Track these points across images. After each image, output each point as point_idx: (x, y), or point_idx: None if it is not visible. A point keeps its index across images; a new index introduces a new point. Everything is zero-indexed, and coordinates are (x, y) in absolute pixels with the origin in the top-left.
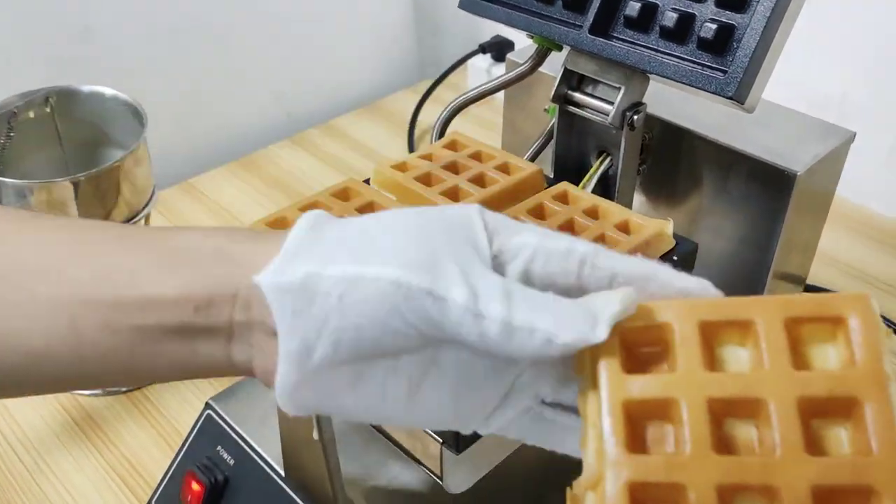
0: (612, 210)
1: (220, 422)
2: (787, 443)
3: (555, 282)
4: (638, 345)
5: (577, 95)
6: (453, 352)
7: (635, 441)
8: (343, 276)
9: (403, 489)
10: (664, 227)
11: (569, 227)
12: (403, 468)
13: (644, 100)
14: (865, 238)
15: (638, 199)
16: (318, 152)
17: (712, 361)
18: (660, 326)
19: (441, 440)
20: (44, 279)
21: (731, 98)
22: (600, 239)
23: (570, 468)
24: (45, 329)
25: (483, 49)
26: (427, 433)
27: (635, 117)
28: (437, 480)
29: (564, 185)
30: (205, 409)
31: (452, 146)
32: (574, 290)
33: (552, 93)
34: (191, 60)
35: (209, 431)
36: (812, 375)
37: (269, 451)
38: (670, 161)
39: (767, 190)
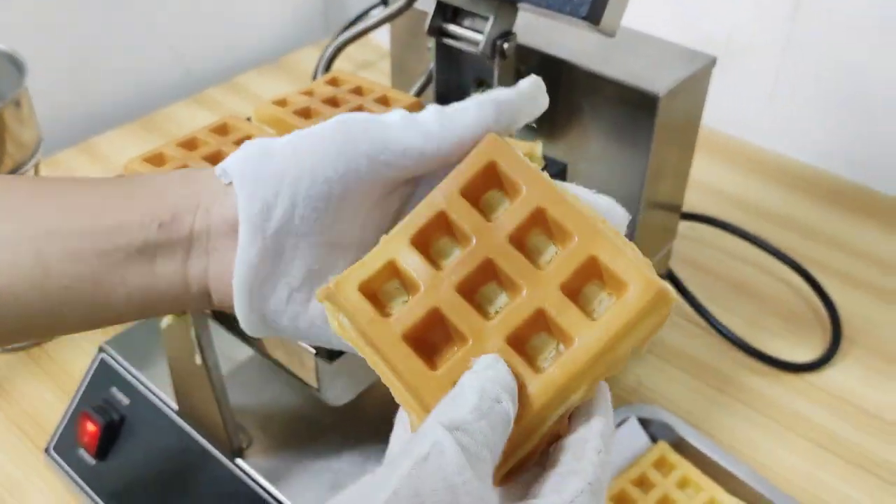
0: None
1: (115, 364)
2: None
3: None
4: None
5: (451, 27)
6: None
7: None
8: (294, 135)
9: (296, 414)
10: (533, 148)
11: None
12: (295, 397)
13: (523, 35)
14: (751, 172)
15: (520, 131)
16: (221, 110)
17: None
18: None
19: (314, 350)
20: (7, 217)
21: (585, 19)
22: None
23: None
24: (9, 264)
25: (384, 1)
26: (302, 345)
27: (505, 46)
28: (317, 394)
29: None
30: (99, 353)
31: (334, 82)
32: None
33: (427, 24)
34: (80, 15)
35: (104, 374)
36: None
37: (162, 389)
38: (549, 92)
39: (634, 113)
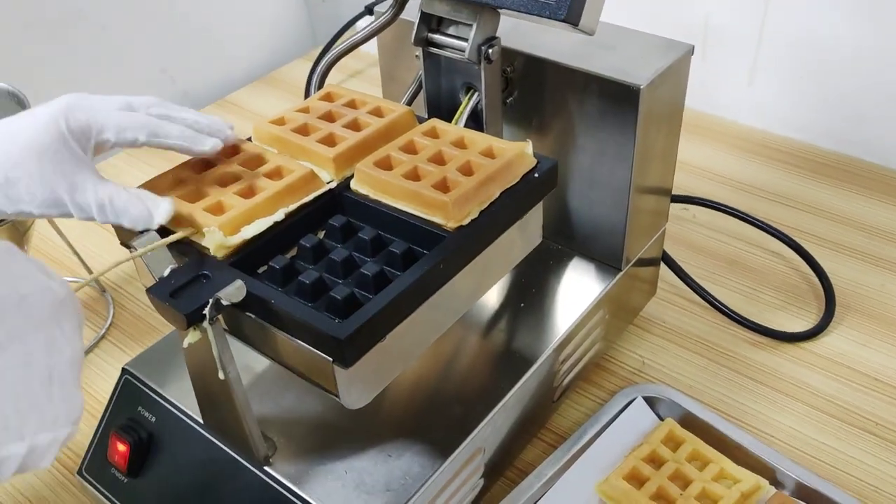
0: (476, 139)
1: (138, 384)
2: None
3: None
4: None
5: (437, 37)
6: None
7: None
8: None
9: (317, 419)
10: (524, 147)
11: (438, 159)
12: (314, 402)
13: (507, 37)
14: (737, 150)
15: (511, 129)
16: None
17: None
18: None
19: (331, 358)
20: None
21: (564, 21)
22: (466, 166)
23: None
24: None
25: (370, 11)
26: (316, 353)
27: (490, 51)
28: (336, 398)
29: (433, 122)
30: (122, 375)
31: (328, 98)
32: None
33: (413, 36)
34: (74, 49)
35: (129, 394)
36: None
37: (187, 405)
38: (535, 91)
39: (618, 106)
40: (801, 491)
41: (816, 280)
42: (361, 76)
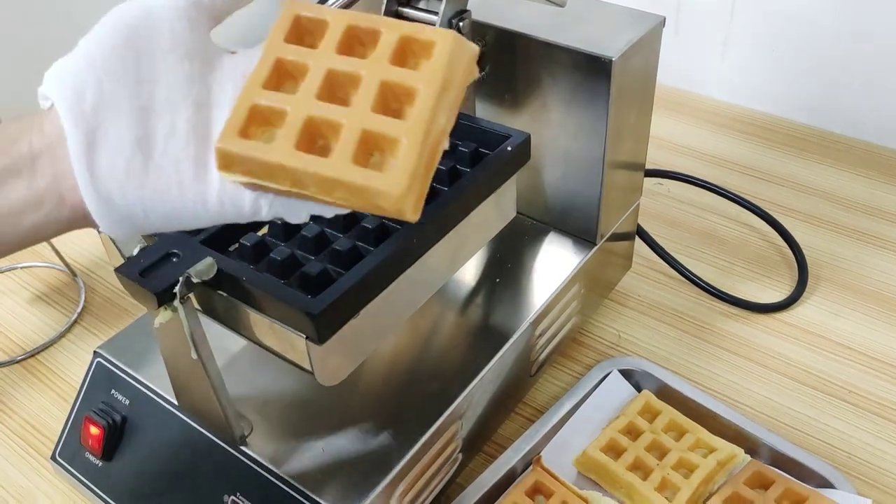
0: None
1: (111, 367)
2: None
3: None
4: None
5: (407, 10)
6: None
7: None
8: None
9: (292, 398)
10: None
11: None
12: (289, 381)
13: (478, 11)
14: (711, 125)
15: (485, 104)
16: None
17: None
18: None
19: (304, 334)
20: None
21: None
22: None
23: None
24: None
25: None
26: (290, 330)
27: (461, 24)
28: (310, 375)
29: None
30: (94, 358)
31: None
32: None
33: (382, 10)
34: (29, 31)
35: (101, 377)
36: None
37: (160, 386)
38: (508, 65)
39: (590, 79)
40: (776, 458)
41: (789, 252)
42: None
